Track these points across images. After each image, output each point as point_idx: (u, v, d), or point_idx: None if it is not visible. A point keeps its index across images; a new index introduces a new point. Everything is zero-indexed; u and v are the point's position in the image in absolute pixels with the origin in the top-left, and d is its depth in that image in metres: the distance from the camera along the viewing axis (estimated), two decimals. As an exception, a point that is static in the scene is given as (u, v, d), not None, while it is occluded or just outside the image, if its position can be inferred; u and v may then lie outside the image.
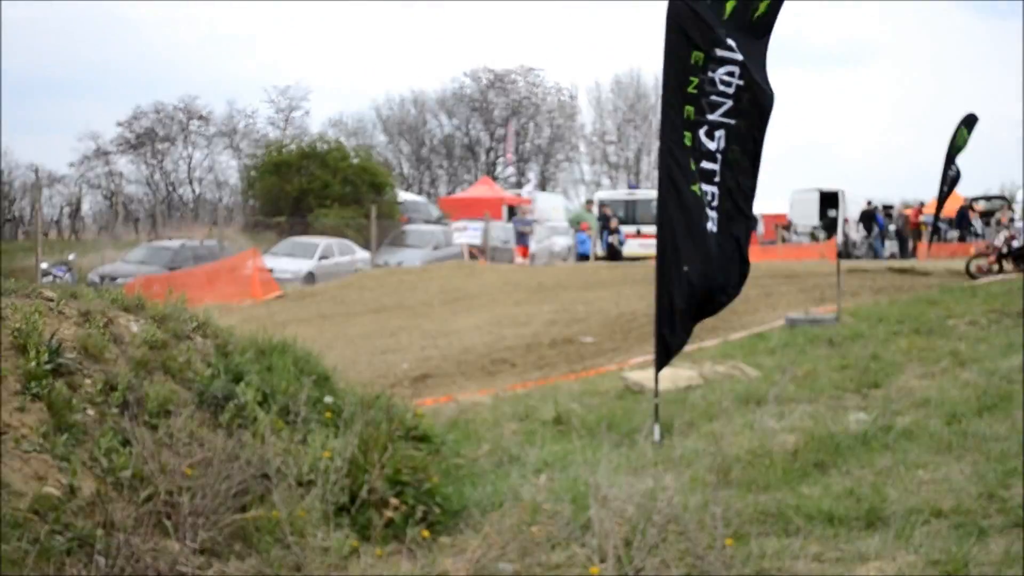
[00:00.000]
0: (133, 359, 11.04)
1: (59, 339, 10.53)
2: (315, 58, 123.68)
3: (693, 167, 12.91)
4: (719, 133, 13.01)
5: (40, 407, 9.75)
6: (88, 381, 10.41)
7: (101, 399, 10.26)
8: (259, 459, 9.83)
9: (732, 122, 13.00)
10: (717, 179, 12.98)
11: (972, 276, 35.00)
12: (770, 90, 13.16)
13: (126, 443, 9.75)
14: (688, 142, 12.89)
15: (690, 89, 12.86)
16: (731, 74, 12.89)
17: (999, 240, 37.19)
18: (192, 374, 11.34)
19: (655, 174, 69.62)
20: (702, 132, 12.89)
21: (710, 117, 12.96)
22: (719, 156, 13.01)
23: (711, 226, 13.03)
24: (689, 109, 12.87)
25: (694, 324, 13.67)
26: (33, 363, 10.04)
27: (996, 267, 36.13)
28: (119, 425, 10.01)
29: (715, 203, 12.99)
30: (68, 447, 9.41)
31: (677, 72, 12.90)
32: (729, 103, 12.98)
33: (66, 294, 11.75)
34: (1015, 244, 35.91)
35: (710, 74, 12.82)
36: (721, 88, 12.92)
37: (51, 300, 11.36)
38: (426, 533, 9.25)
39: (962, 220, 61.17)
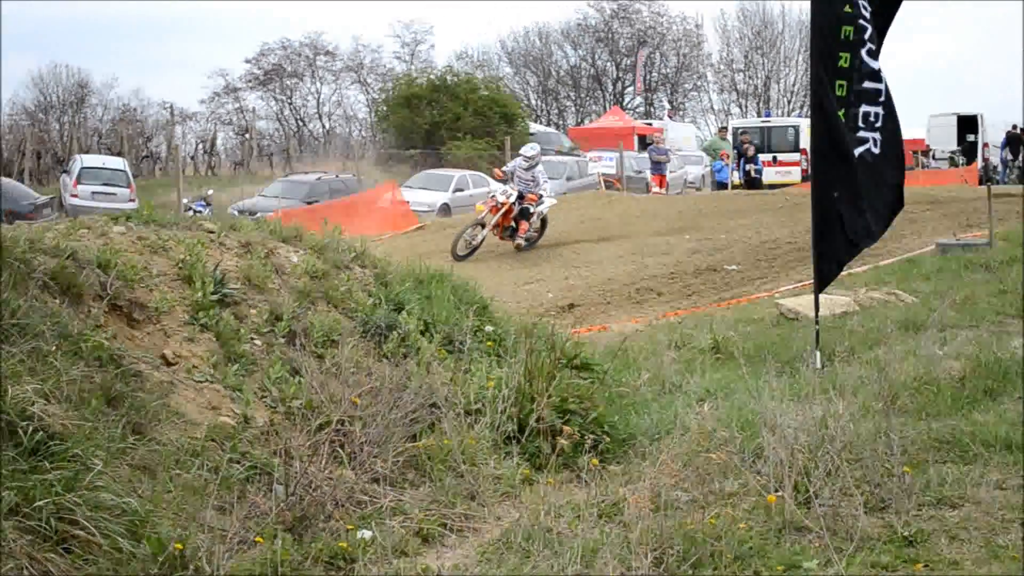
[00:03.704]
0: (295, 289, 11.05)
1: (223, 270, 10.56)
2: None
3: (843, 92, 12.58)
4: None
5: (209, 337, 9.80)
6: (253, 311, 10.44)
7: (267, 329, 10.29)
8: (426, 388, 9.79)
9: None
10: (882, 98, 12.63)
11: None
12: None
13: (294, 373, 9.77)
14: (845, 63, 12.55)
15: (846, 9, 12.51)
16: None
17: None
18: (354, 304, 11.33)
19: (784, 101, 68.50)
20: (864, 52, 12.54)
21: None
22: (884, 76, 12.68)
23: (870, 148, 12.69)
24: (848, 29, 12.53)
25: (848, 252, 13.32)
26: (199, 294, 10.08)
27: None
28: (286, 355, 10.04)
29: (878, 124, 12.65)
30: (239, 377, 9.45)
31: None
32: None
33: (226, 226, 11.78)
34: None
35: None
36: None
37: (212, 232, 11.40)
38: (595, 461, 9.12)
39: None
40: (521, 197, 27.99)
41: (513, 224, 27.84)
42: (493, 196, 28.62)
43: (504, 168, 29.75)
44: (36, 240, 9.55)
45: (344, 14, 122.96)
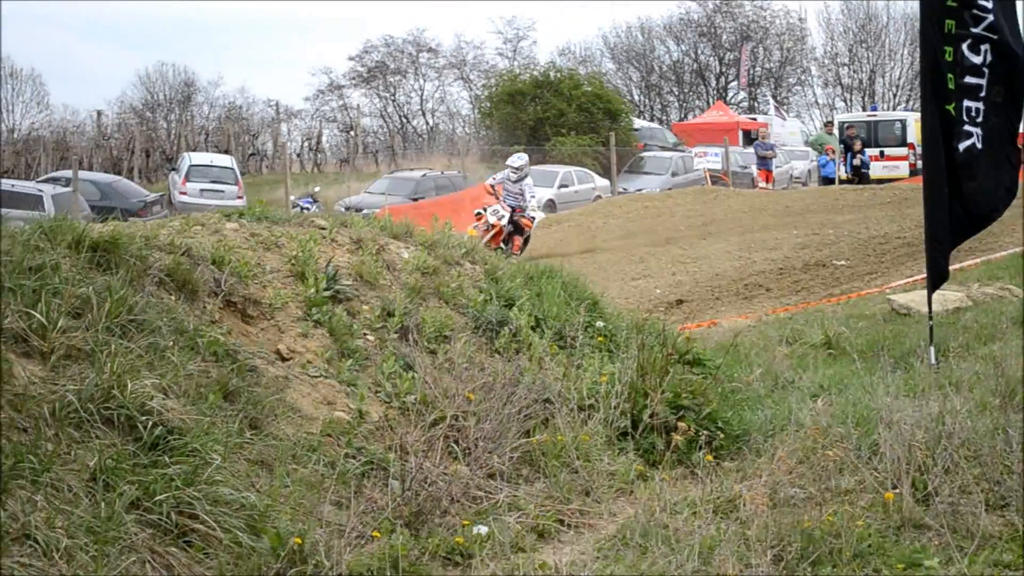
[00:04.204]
0: (406, 285, 11.09)
1: (335, 266, 10.61)
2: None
3: (952, 85, 12.40)
4: (984, 47, 12.49)
5: (322, 333, 9.86)
6: (365, 307, 10.48)
7: (380, 325, 10.33)
8: (539, 384, 9.77)
9: (995, 37, 12.48)
10: (983, 94, 12.45)
11: None
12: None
13: (408, 368, 9.79)
14: (949, 57, 12.38)
15: (949, 2, 12.34)
16: None
17: None
18: (465, 300, 11.35)
19: (890, 95, 67.56)
20: (965, 46, 12.37)
21: (974, 31, 12.44)
22: (985, 71, 12.48)
23: (975, 143, 12.51)
24: (950, 23, 12.36)
25: (955, 245, 13.12)
26: (312, 290, 10.15)
27: None
28: (399, 350, 10.07)
29: (979, 119, 12.46)
30: (353, 372, 9.49)
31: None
32: (990, 17, 12.46)
33: (337, 222, 11.83)
34: None
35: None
36: (981, 2, 12.40)
37: (323, 228, 11.46)
38: (709, 457, 9.06)
39: None
40: (512, 214, 26.36)
41: (503, 245, 25.35)
42: (483, 217, 26.68)
43: (491, 180, 27.75)
44: (151, 237, 9.65)
45: (446, 11, 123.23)
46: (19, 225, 8.84)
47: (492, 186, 27.04)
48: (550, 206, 42.89)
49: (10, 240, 8.21)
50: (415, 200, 40.81)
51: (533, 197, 26.96)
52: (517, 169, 26.67)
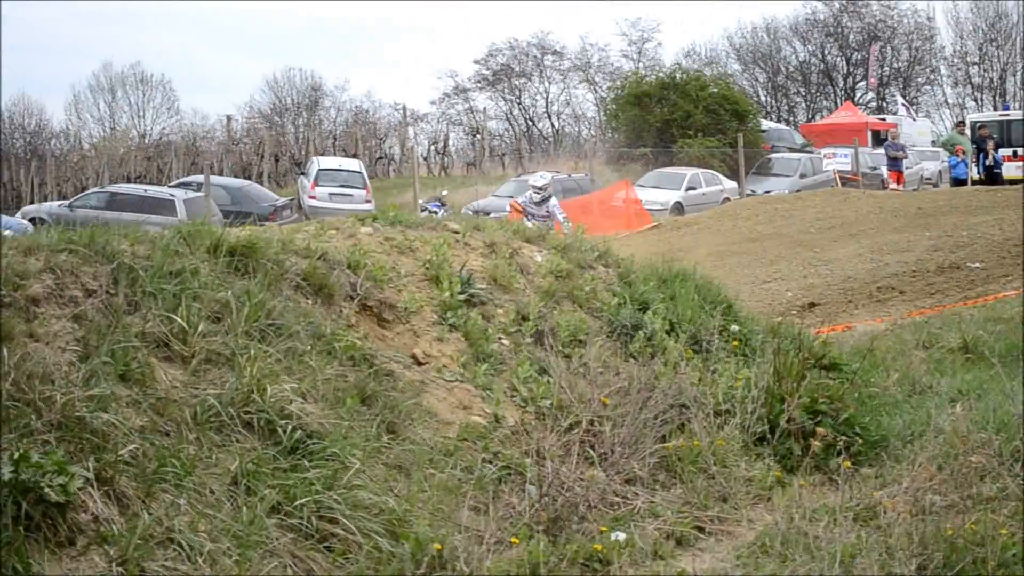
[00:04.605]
0: (540, 289, 11.07)
1: (469, 270, 10.62)
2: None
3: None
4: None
5: (457, 337, 9.87)
6: (500, 311, 10.48)
7: (514, 329, 10.32)
8: (675, 389, 9.70)
9: None
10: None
11: None
12: None
13: (542, 372, 9.77)
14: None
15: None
16: None
17: None
18: (598, 303, 11.32)
19: (1021, 94, 66.41)
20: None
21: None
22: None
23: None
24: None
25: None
26: (447, 294, 10.16)
27: None
28: (534, 355, 10.05)
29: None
30: (488, 377, 9.49)
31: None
32: None
33: (470, 226, 11.85)
34: None
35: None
36: None
37: (457, 232, 11.48)
38: (847, 464, 8.94)
39: None
40: None
41: None
42: None
43: (519, 200, 25.77)
44: (288, 241, 9.72)
45: (571, 13, 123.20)
46: (155, 230, 8.94)
47: (522, 206, 25.02)
48: (677, 208, 42.70)
49: (150, 245, 8.31)
50: (541, 203, 40.79)
51: (565, 217, 24.30)
52: (540, 189, 24.56)
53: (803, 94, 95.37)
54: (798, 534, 7.64)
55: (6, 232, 8.84)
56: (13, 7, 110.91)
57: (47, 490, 5.71)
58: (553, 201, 24.62)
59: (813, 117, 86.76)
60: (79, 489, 5.90)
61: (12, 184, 61.32)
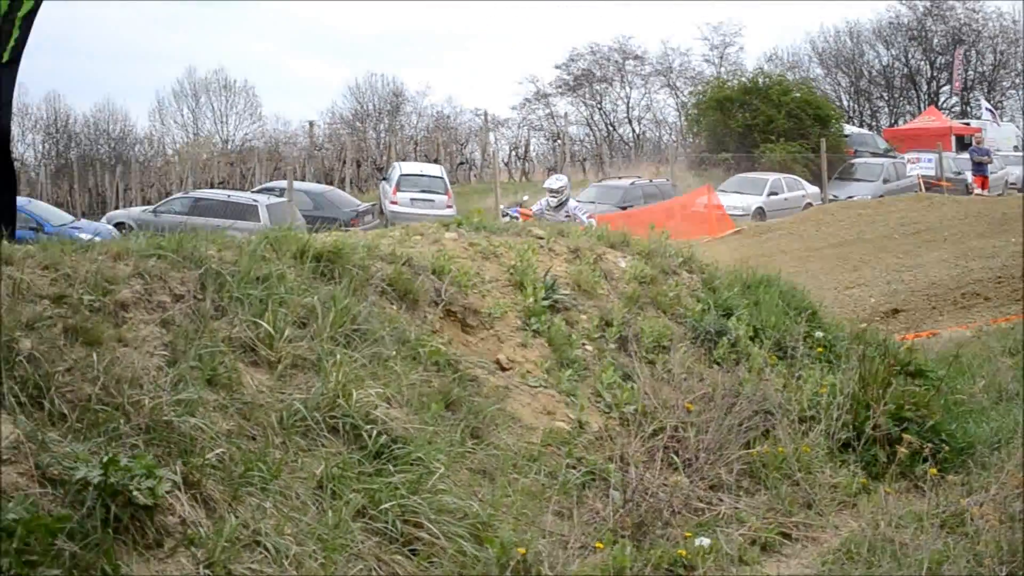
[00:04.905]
0: (624, 295, 11.07)
1: (553, 276, 10.63)
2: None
3: None
4: None
5: (541, 343, 9.87)
6: (583, 317, 10.49)
7: (598, 334, 10.32)
8: (759, 395, 9.68)
9: None
10: None
11: None
12: None
13: (626, 378, 9.77)
14: None
15: None
16: None
17: None
18: (682, 309, 11.30)
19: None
20: None
21: None
22: None
23: None
24: None
25: None
26: (531, 299, 10.17)
27: None
28: (617, 360, 10.05)
29: None
30: (572, 382, 9.49)
31: None
32: None
33: (554, 231, 11.86)
34: None
35: None
36: None
37: (541, 238, 11.49)
38: (933, 471, 8.87)
39: None
40: None
41: None
42: None
43: (533, 209, 23.57)
44: (373, 247, 9.76)
45: (652, 17, 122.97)
46: (242, 235, 9.01)
47: (536, 215, 22.35)
48: (759, 214, 42.56)
49: (237, 250, 8.37)
50: (623, 208, 40.79)
51: (590, 217, 22.15)
52: (556, 192, 22.19)
53: (886, 98, 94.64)
54: (884, 541, 7.60)
55: (94, 237, 8.94)
56: (96, 13, 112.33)
57: (136, 493, 5.75)
58: (572, 204, 22.80)
59: (896, 122, 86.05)
60: (167, 492, 5.93)
61: (97, 189, 61.86)
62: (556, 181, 22.83)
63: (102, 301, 7.09)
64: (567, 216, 21.33)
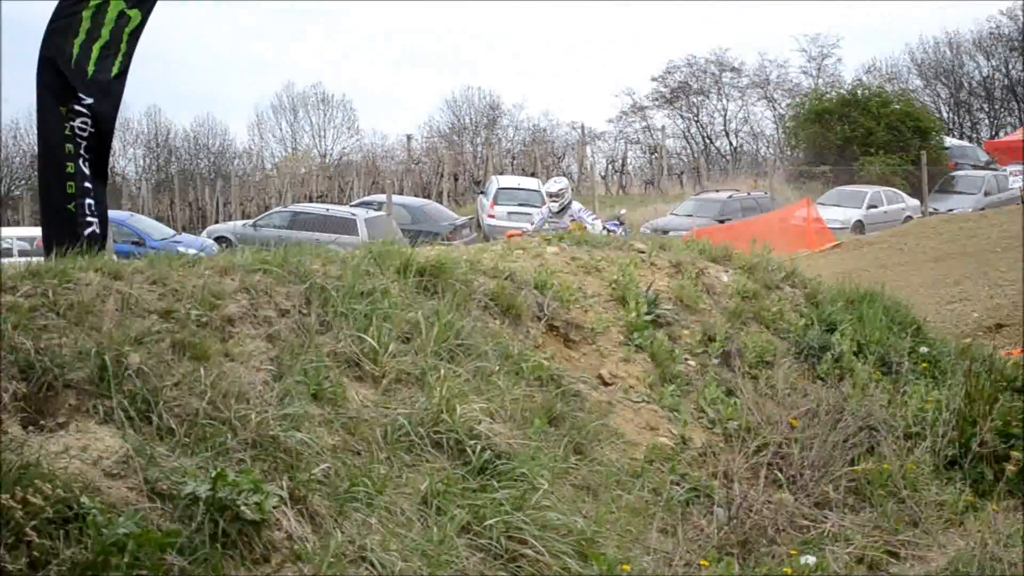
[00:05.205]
0: (726, 309, 11.03)
1: (655, 290, 10.60)
2: (845, 3, 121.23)
3: None
4: None
5: (643, 358, 9.85)
6: (686, 332, 10.45)
7: (700, 350, 10.28)
8: (864, 411, 9.58)
9: None
10: None
11: None
12: None
13: (729, 393, 9.72)
14: None
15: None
16: None
17: None
18: (785, 324, 11.22)
19: None
20: None
21: None
22: None
23: None
24: None
25: None
26: (633, 314, 10.15)
27: None
28: (720, 376, 10.00)
29: None
30: (675, 398, 9.45)
31: None
32: None
33: (656, 245, 11.83)
34: None
35: None
36: None
37: (643, 252, 11.47)
38: (1041, 489, 8.76)
39: None
40: None
41: None
42: None
43: (530, 227, 19.92)
44: (475, 262, 9.78)
45: (749, 28, 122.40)
46: (341, 250, 9.06)
47: (534, 227, 19.44)
48: (858, 227, 42.19)
49: (341, 265, 8.42)
50: (721, 222, 40.59)
51: (596, 218, 20.82)
52: (556, 195, 20.37)
53: (986, 110, 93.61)
54: (993, 559, 7.49)
55: (200, 252, 9.03)
56: (199, 28, 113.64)
57: (243, 508, 5.79)
58: (576, 206, 20.72)
59: (997, 134, 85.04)
60: (273, 507, 5.97)
61: (197, 204, 62.51)
62: (555, 184, 21.20)
63: (209, 316, 7.15)
64: (572, 220, 19.51)
